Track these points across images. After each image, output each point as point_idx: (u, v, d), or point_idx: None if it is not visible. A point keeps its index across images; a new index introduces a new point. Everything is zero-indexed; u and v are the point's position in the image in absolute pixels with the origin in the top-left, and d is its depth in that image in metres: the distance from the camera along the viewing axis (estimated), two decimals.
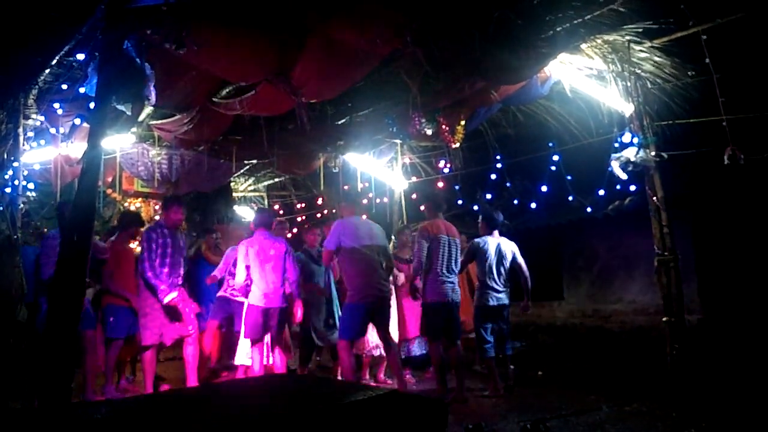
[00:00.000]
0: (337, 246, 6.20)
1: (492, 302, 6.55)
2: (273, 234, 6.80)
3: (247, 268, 6.55)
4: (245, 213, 12.45)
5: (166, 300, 6.03)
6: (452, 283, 6.35)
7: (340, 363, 6.34)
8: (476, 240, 6.75)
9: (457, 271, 6.46)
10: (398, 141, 8.57)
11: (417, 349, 7.39)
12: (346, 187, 9.74)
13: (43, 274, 6.03)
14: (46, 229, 8.72)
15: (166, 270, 6.17)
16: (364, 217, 6.68)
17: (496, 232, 6.79)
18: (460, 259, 6.54)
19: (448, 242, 6.36)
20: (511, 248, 6.77)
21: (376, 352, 7.06)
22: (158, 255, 6.17)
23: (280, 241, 6.68)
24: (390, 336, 6.34)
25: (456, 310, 6.40)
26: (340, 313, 7.17)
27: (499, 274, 6.62)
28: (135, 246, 7.69)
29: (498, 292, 6.59)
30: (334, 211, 11.60)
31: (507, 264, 6.69)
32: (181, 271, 6.39)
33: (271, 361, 6.60)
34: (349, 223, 6.34)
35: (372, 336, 6.81)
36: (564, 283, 9.98)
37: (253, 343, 6.47)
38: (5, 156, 7.15)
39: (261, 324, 6.39)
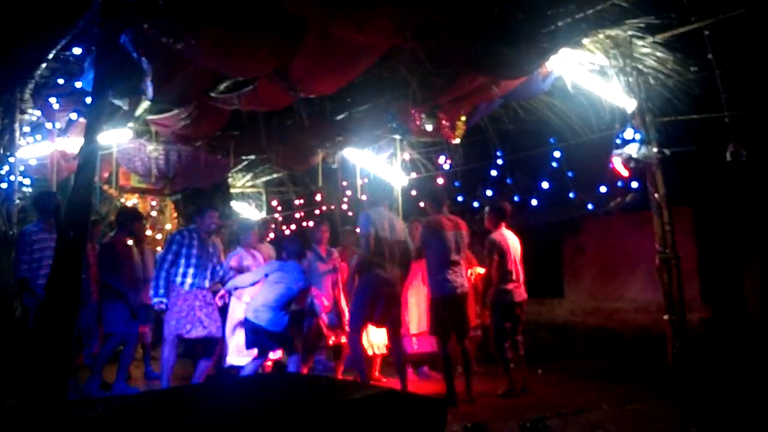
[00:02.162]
0: (371, 230, 5.99)
1: (514, 299, 6.41)
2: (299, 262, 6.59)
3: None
4: (243, 209, 12.41)
5: (154, 302, 6.06)
6: (460, 277, 6.27)
7: (352, 354, 6.25)
8: (492, 236, 6.53)
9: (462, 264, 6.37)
10: (398, 137, 8.52)
11: (420, 345, 7.29)
12: (344, 183, 9.68)
13: (18, 272, 5.95)
14: None
15: (191, 270, 6.18)
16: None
17: (503, 225, 6.61)
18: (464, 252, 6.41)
19: (454, 236, 6.27)
20: (517, 243, 6.64)
21: (370, 351, 7.00)
22: (178, 256, 6.17)
23: (305, 279, 6.48)
24: (399, 333, 6.28)
25: (464, 305, 6.31)
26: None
27: (517, 269, 6.49)
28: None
29: (518, 287, 6.47)
30: (332, 207, 11.56)
31: (520, 259, 6.56)
32: (207, 274, 6.32)
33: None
34: (377, 213, 6.18)
35: (369, 336, 6.78)
36: (564, 281, 9.93)
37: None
38: (1, 151, 7.12)
39: (255, 339, 6.30)
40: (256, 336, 6.22)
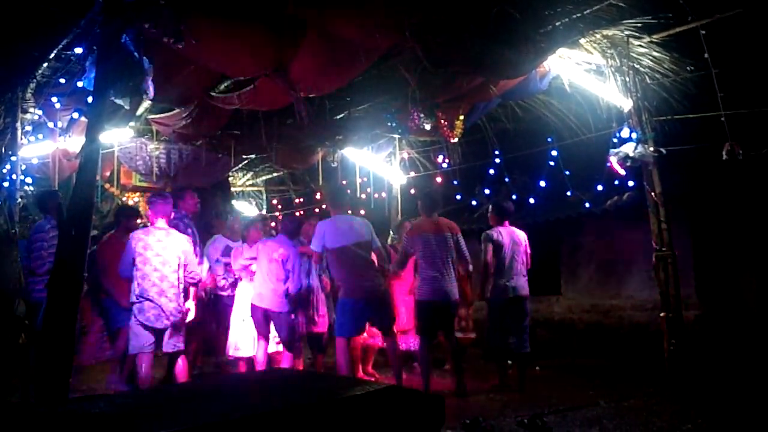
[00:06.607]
0: (322, 248, 6.11)
1: (509, 294, 6.39)
2: (290, 238, 6.67)
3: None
4: (243, 208, 12.44)
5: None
6: (446, 279, 6.27)
7: (336, 361, 6.24)
8: (488, 231, 6.55)
9: (452, 267, 6.36)
10: (397, 136, 8.56)
11: (414, 342, 7.31)
12: (344, 182, 9.72)
13: (40, 267, 6.01)
14: None
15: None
16: (349, 212, 6.66)
17: (506, 223, 6.63)
18: (455, 255, 6.39)
19: (435, 239, 6.29)
20: (523, 238, 6.62)
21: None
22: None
23: (288, 246, 6.52)
24: (392, 331, 6.32)
25: (453, 307, 6.35)
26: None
27: (513, 265, 6.45)
28: None
29: (515, 283, 6.43)
30: None
31: (521, 254, 6.52)
32: None
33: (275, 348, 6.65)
34: (330, 223, 6.19)
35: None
36: (562, 278, 9.96)
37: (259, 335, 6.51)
38: (3, 150, 7.15)
39: (263, 323, 6.41)
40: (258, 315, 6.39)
